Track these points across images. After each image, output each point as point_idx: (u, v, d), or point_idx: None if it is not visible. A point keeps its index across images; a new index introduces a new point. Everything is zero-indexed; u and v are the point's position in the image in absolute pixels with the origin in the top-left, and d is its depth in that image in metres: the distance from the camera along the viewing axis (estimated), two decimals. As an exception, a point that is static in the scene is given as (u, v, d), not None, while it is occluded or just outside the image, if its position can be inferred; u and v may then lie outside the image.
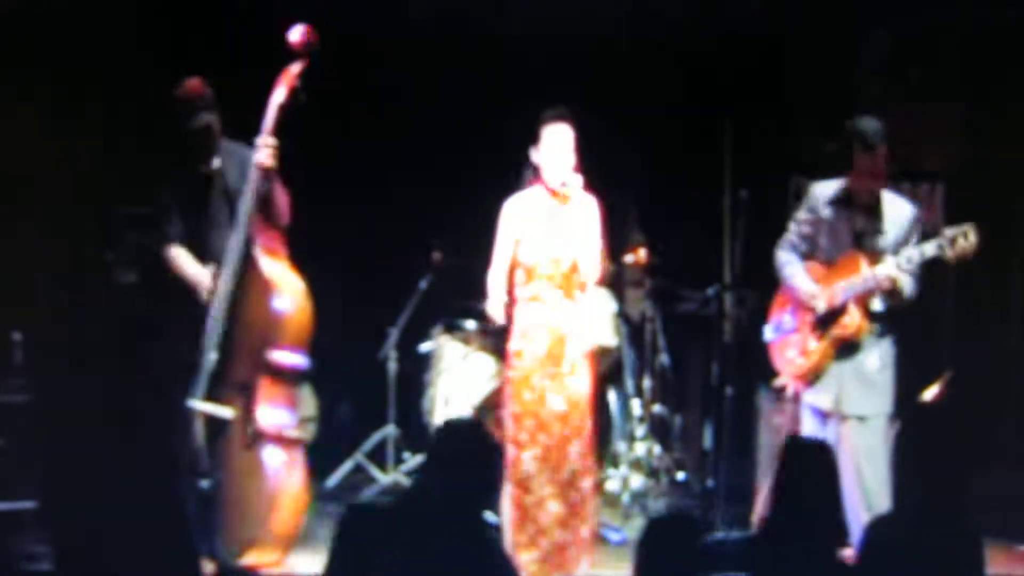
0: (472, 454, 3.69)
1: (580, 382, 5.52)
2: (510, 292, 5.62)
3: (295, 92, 5.22)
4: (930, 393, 6.20)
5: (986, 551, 3.71)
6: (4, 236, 6.45)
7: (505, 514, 5.47)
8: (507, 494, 5.44)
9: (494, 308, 5.60)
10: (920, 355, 5.71)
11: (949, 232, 5.14)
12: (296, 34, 5.23)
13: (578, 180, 5.44)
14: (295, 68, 5.25)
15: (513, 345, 5.55)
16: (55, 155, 6.57)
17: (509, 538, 5.42)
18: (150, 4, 6.85)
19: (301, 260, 5.45)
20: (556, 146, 5.44)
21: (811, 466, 3.71)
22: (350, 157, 7.77)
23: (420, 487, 4.02)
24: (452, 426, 3.99)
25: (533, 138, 5.49)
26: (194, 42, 6.68)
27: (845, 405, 5.40)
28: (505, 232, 5.55)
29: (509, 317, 5.63)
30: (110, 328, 5.90)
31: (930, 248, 5.19)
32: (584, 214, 5.50)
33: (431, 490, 3.68)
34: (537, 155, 5.48)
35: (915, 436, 3.89)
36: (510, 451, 5.44)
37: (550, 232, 5.49)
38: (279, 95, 5.22)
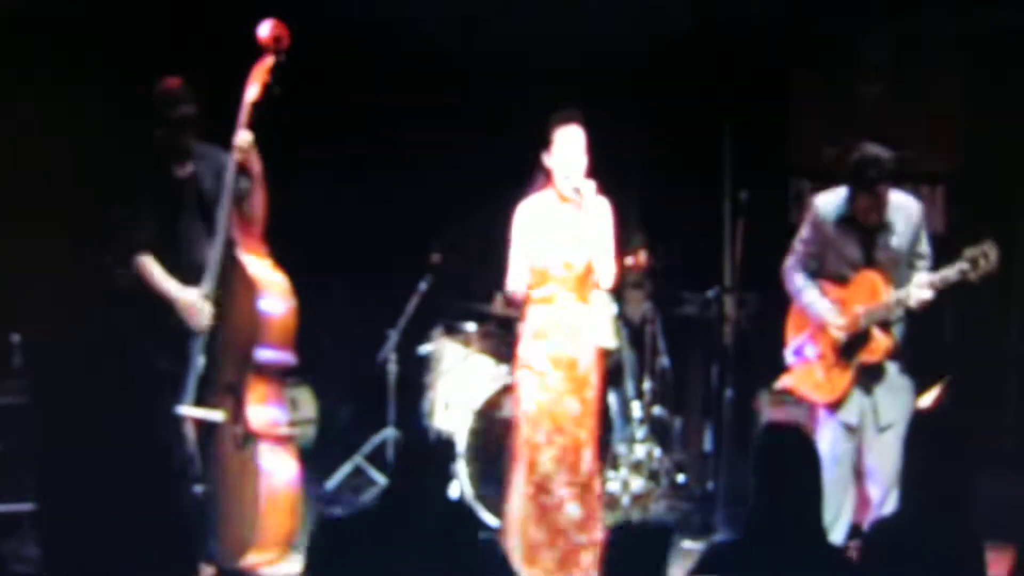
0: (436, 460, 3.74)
1: (591, 384, 5.53)
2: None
3: (267, 88, 5.18)
4: (927, 398, 6.18)
5: (987, 554, 3.70)
6: (4, 237, 6.44)
7: (517, 514, 5.45)
8: (523, 495, 5.43)
9: (515, 284, 5.54)
10: (920, 356, 5.69)
11: (969, 253, 5.06)
12: (265, 29, 5.19)
13: (591, 185, 5.40)
14: (266, 64, 5.21)
15: (526, 347, 5.54)
16: (55, 155, 6.56)
17: (525, 538, 5.40)
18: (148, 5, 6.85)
19: (301, 262, 5.43)
20: (568, 149, 5.40)
21: (792, 452, 3.67)
22: (350, 159, 7.77)
23: (390, 493, 4.04)
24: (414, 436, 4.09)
25: (544, 141, 5.43)
26: (174, 41, 6.66)
27: (879, 416, 5.35)
28: (520, 236, 5.51)
29: (521, 319, 5.63)
30: (109, 331, 5.88)
31: (952, 273, 5.09)
32: (597, 216, 5.46)
33: (402, 494, 3.71)
34: (548, 158, 5.44)
35: (915, 440, 3.88)
36: (524, 452, 5.44)
37: (562, 235, 5.47)
38: (251, 92, 5.18)
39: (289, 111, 5.26)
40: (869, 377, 5.36)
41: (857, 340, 5.32)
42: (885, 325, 5.30)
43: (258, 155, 5.20)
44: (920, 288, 5.15)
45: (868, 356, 5.32)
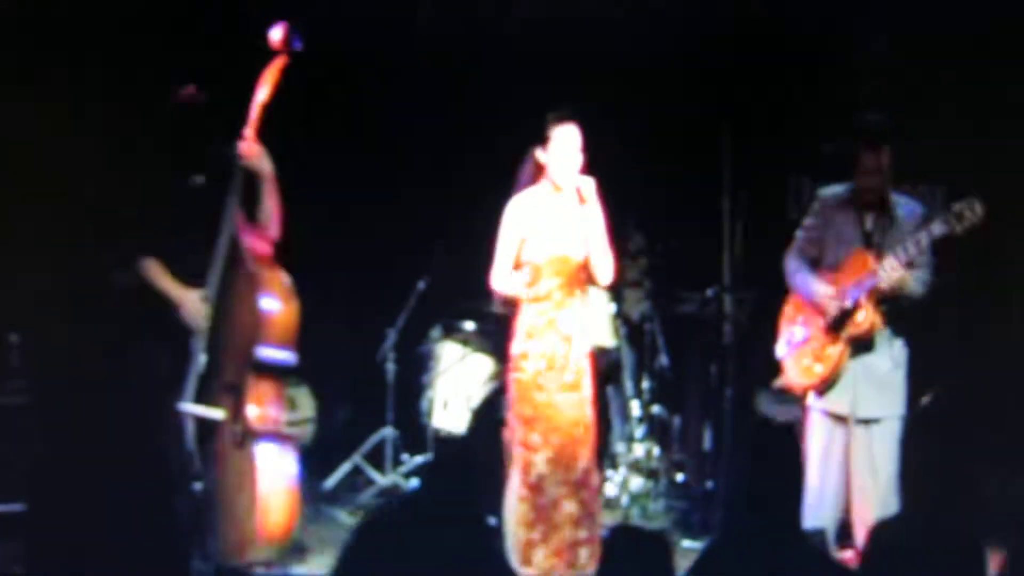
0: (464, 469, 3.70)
1: (586, 381, 5.52)
2: None
3: (278, 90, 5.19)
4: (927, 398, 6.19)
5: (988, 554, 3.70)
6: (3, 236, 6.43)
7: (513, 515, 5.44)
8: (518, 496, 5.42)
9: (512, 286, 5.52)
10: (920, 356, 5.70)
11: (956, 207, 5.07)
12: (276, 33, 5.21)
13: (590, 183, 5.41)
14: (276, 66, 5.23)
15: (518, 346, 5.51)
16: (55, 156, 6.55)
17: (521, 537, 5.39)
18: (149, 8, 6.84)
19: (300, 261, 5.43)
20: (565, 147, 5.42)
21: (778, 452, 3.66)
22: (350, 157, 7.76)
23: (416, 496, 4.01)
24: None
25: (540, 138, 5.45)
26: (187, 43, 6.66)
27: (860, 408, 5.35)
28: (509, 232, 5.51)
29: (513, 317, 5.61)
30: (109, 331, 5.88)
31: (938, 227, 5.11)
32: (590, 210, 5.46)
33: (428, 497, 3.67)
34: (544, 156, 5.45)
35: (914, 441, 3.88)
36: (520, 453, 5.42)
37: (556, 230, 5.47)
38: (261, 94, 5.20)
39: (293, 112, 5.28)
40: (855, 362, 5.36)
41: (846, 315, 5.33)
42: (876, 303, 5.30)
43: (268, 157, 5.23)
44: (905, 247, 5.17)
45: (855, 329, 5.32)
